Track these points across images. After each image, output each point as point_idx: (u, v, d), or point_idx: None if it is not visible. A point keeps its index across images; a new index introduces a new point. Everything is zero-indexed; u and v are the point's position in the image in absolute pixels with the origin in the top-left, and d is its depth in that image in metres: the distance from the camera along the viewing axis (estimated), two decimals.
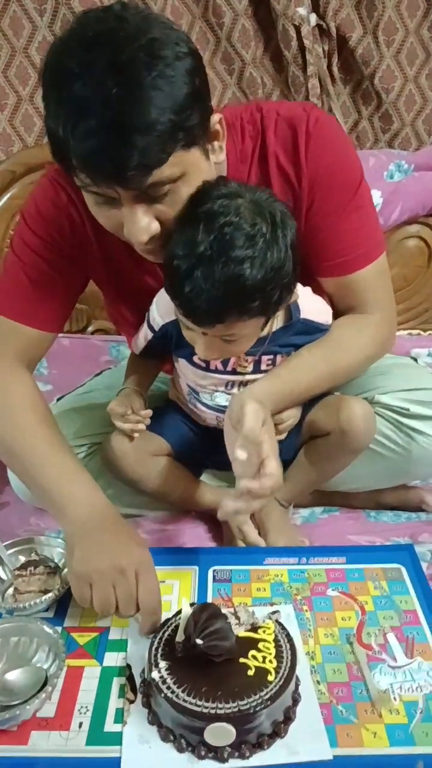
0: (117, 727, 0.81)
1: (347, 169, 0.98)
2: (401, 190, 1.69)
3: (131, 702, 0.84)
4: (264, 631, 0.84)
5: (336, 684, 0.85)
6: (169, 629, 0.86)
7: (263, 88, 1.80)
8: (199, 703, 0.76)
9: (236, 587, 1.00)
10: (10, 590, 1.00)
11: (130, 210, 0.82)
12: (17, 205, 1.73)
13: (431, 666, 0.84)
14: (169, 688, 0.78)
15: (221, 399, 1.05)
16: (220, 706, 0.76)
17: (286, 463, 1.15)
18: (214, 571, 1.03)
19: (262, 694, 0.77)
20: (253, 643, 0.82)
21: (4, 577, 1.01)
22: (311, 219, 0.98)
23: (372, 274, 1.02)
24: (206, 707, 0.76)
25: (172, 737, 0.78)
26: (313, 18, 1.70)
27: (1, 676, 0.87)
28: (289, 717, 0.79)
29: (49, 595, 0.96)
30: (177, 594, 1.00)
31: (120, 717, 0.82)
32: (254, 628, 0.85)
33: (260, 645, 0.82)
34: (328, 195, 0.96)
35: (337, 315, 1.05)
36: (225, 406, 1.04)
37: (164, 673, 0.80)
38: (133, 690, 0.85)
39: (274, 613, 0.91)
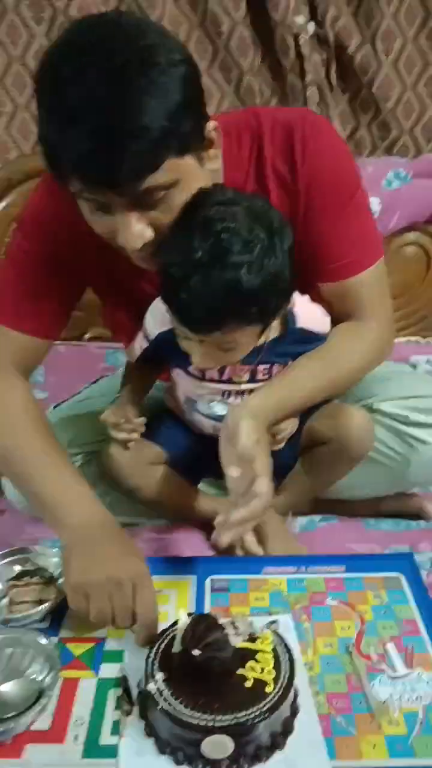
0: (113, 740, 0.80)
1: (344, 174, 0.98)
2: (400, 197, 1.70)
3: (128, 714, 0.83)
4: (262, 642, 0.83)
5: (335, 695, 0.84)
6: (167, 640, 0.85)
7: (261, 96, 1.80)
8: (196, 715, 0.75)
9: (234, 597, 1.00)
10: (5, 601, 0.99)
11: (123, 217, 0.81)
12: (14, 212, 1.72)
13: (431, 676, 0.83)
14: (165, 699, 0.77)
15: (218, 408, 1.04)
16: (217, 718, 0.74)
17: (285, 470, 1.15)
18: (212, 580, 1.03)
19: (261, 705, 0.75)
20: (251, 654, 0.81)
21: None
22: (308, 223, 0.97)
23: (369, 279, 1.02)
24: (203, 719, 0.74)
25: (169, 750, 0.77)
26: (312, 26, 1.71)
27: None
28: (287, 729, 0.78)
29: (44, 605, 0.95)
30: (174, 604, 0.99)
31: (116, 729, 0.81)
32: (252, 639, 0.84)
33: (258, 656, 0.81)
34: (324, 199, 0.96)
35: (334, 322, 1.04)
36: (222, 416, 1.03)
37: (161, 685, 0.79)
38: (130, 702, 0.84)
39: (272, 623, 0.90)
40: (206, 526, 1.13)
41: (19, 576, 1.02)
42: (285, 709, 0.78)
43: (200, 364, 0.92)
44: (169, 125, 0.75)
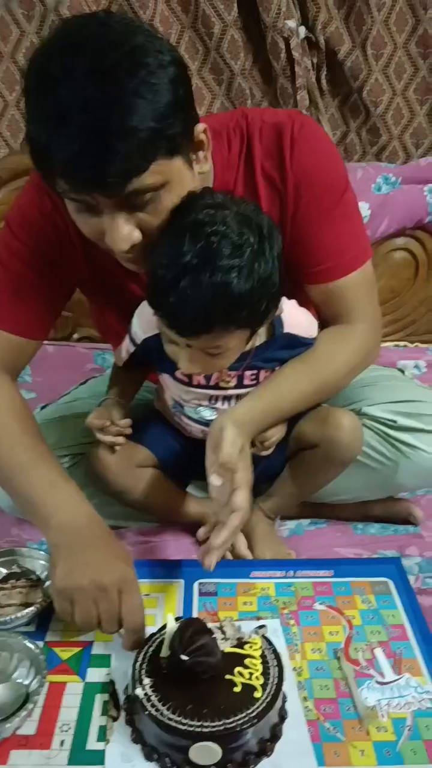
0: (100, 746, 0.79)
1: (332, 175, 0.97)
2: (389, 202, 1.70)
3: (114, 719, 0.82)
4: (251, 647, 0.83)
5: (323, 701, 0.84)
6: (154, 645, 0.85)
7: (252, 99, 1.80)
8: (184, 721, 0.74)
9: (222, 601, 0.99)
10: None
11: (110, 218, 0.81)
12: (3, 210, 1.71)
13: (419, 682, 0.83)
14: (153, 705, 0.76)
15: (206, 413, 1.03)
16: (205, 724, 0.74)
17: (274, 475, 1.15)
18: (200, 584, 1.02)
19: (249, 711, 0.75)
20: (239, 659, 0.81)
21: None
22: (296, 224, 0.97)
23: (357, 281, 1.01)
24: (191, 725, 0.74)
25: (156, 756, 0.77)
26: (302, 31, 1.71)
27: None
28: (275, 735, 0.78)
29: (31, 608, 0.94)
30: (162, 608, 0.99)
31: (103, 735, 0.80)
32: (241, 644, 0.84)
33: (247, 661, 0.81)
34: (313, 200, 0.96)
35: (322, 325, 1.04)
36: (210, 420, 1.03)
37: (148, 690, 0.78)
38: (117, 707, 0.84)
39: (260, 627, 0.90)
40: (194, 528, 1.13)
41: (5, 578, 1.01)
42: (273, 715, 0.78)
43: (186, 370, 0.91)
44: (157, 126, 0.74)
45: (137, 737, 0.79)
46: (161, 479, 1.14)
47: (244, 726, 0.74)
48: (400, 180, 1.71)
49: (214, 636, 0.82)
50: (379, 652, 0.87)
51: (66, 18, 0.80)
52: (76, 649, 0.92)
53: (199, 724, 0.74)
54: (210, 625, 0.84)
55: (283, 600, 0.99)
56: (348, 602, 0.99)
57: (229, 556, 1.09)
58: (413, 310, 1.83)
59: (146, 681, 0.79)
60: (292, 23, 1.68)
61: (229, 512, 0.89)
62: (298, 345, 1.00)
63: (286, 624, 0.95)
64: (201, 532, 0.93)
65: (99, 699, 0.85)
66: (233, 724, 0.74)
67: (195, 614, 0.97)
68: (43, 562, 1.03)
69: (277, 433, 1.04)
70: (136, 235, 0.83)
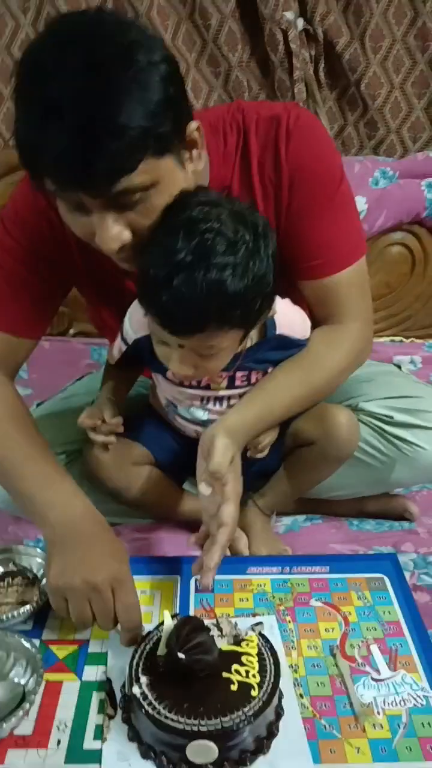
0: (96, 744, 0.79)
1: (327, 168, 0.96)
2: (386, 197, 1.70)
3: (111, 718, 0.82)
4: (247, 644, 0.83)
5: (319, 698, 0.84)
6: (151, 642, 0.85)
7: (249, 91, 1.79)
8: (180, 719, 0.75)
9: (219, 597, 0.99)
10: None
11: (100, 217, 0.80)
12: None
13: (414, 679, 0.83)
14: (150, 703, 0.77)
15: (198, 413, 1.03)
16: (202, 722, 0.74)
17: (270, 473, 1.15)
18: (196, 580, 1.02)
19: (246, 710, 0.75)
20: (236, 657, 0.81)
21: None
22: (290, 218, 0.96)
23: (350, 278, 1.00)
24: (188, 724, 0.74)
25: (152, 754, 0.77)
26: (301, 22, 1.70)
27: None
28: (272, 732, 0.78)
29: (27, 607, 0.94)
30: (158, 604, 0.99)
31: (99, 733, 0.80)
32: (237, 641, 0.84)
33: (243, 659, 0.81)
34: (307, 194, 0.95)
35: (314, 322, 1.03)
36: (203, 420, 1.03)
37: (145, 689, 0.78)
38: (113, 705, 0.84)
39: (257, 624, 0.90)
40: (191, 525, 1.13)
41: (1, 577, 1.01)
42: (270, 713, 0.78)
43: (178, 372, 0.89)
44: (147, 125, 0.73)
45: (134, 736, 0.79)
46: (158, 477, 1.14)
47: (241, 724, 0.74)
48: (398, 174, 1.71)
49: (211, 633, 0.82)
50: (374, 649, 0.87)
51: (58, 14, 0.78)
52: (73, 648, 0.92)
53: (195, 722, 0.74)
54: (206, 622, 0.84)
55: (279, 596, 0.99)
56: (344, 598, 0.99)
57: (227, 552, 1.09)
58: (409, 305, 1.83)
59: (143, 679, 0.79)
60: (290, 15, 1.67)
61: (217, 525, 0.89)
62: (290, 346, 0.99)
63: (282, 620, 0.95)
64: (192, 539, 0.94)
65: (96, 697, 0.85)
66: (230, 723, 0.74)
67: (192, 611, 0.97)
68: (39, 559, 1.02)
69: (269, 436, 1.05)
70: (126, 235, 0.82)
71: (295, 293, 1.01)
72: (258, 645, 0.84)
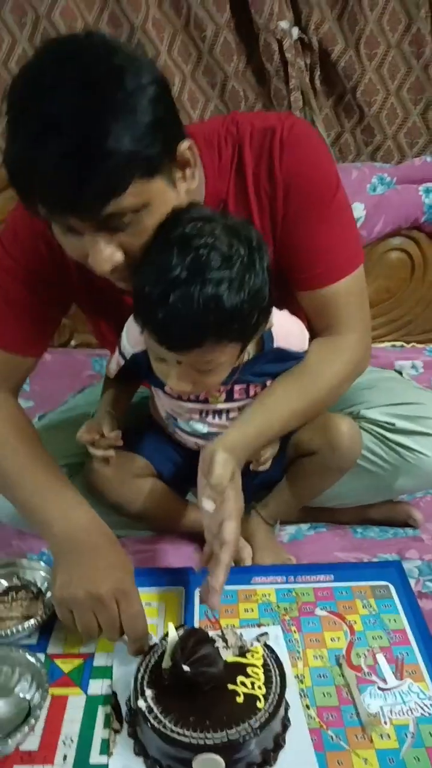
0: (103, 759, 0.79)
1: (322, 178, 0.96)
2: (384, 203, 1.70)
3: (117, 732, 0.82)
4: (252, 656, 0.83)
5: (326, 708, 0.84)
6: (155, 655, 0.85)
7: (246, 101, 1.80)
8: (186, 732, 0.74)
9: (224, 608, 0.99)
10: None
11: (91, 240, 0.80)
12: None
13: (421, 688, 0.83)
14: (155, 717, 0.76)
15: (198, 426, 1.03)
16: (208, 735, 0.74)
17: (273, 483, 1.14)
18: (200, 591, 1.02)
19: (252, 722, 0.75)
20: (241, 669, 0.81)
21: None
22: (286, 229, 0.96)
23: (348, 288, 1.00)
24: (194, 737, 0.74)
25: None
26: (295, 31, 1.71)
27: None
28: (278, 744, 0.78)
29: (32, 621, 0.94)
30: (163, 616, 0.99)
31: (105, 748, 0.80)
32: (242, 653, 0.84)
33: (249, 670, 0.81)
34: (302, 203, 0.94)
35: (312, 333, 1.02)
36: (203, 433, 1.03)
37: (150, 702, 0.78)
38: (119, 719, 0.83)
39: (262, 635, 0.90)
40: (194, 536, 1.13)
41: (6, 591, 1.01)
42: (276, 725, 0.77)
43: (176, 388, 0.88)
44: (135, 149, 0.73)
45: (140, 750, 0.79)
46: (160, 488, 1.14)
47: (247, 737, 0.74)
48: (395, 180, 1.71)
49: (216, 645, 0.81)
50: (381, 658, 0.87)
51: (46, 40, 0.79)
52: (78, 661, 0.92)
53: (201, 735, 0.74)
54: (211, 633, 0.84)
55: (284, 606, 0.99)
56: (349, 607, 0.99)
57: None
58: (410, 310, 1.83)
59: (148, 692, 0.79)
60: (284, 24, 1.68)
61: (219, 544, 0.89)
62: (288, 359, 0.99)
63: (287, 630, 0.95)
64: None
65: (101, 711, 0.85)
66: (236, 735, 0.74)
67: (196, 622, 0.96)
68: (43, 573, 1.03)
69: (271, 449, 1.05)
70: (118, 257, 0.82)
71: (293, 304, 1.00)
72: (263, 656, 0.83)
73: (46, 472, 0.97)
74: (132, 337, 0.97)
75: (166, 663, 0.81)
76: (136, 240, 0.81)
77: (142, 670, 0.83)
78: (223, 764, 0.73)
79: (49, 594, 0.96)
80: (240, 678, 0.80)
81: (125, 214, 0.78)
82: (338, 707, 0.84)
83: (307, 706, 0.84)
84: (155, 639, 0.88)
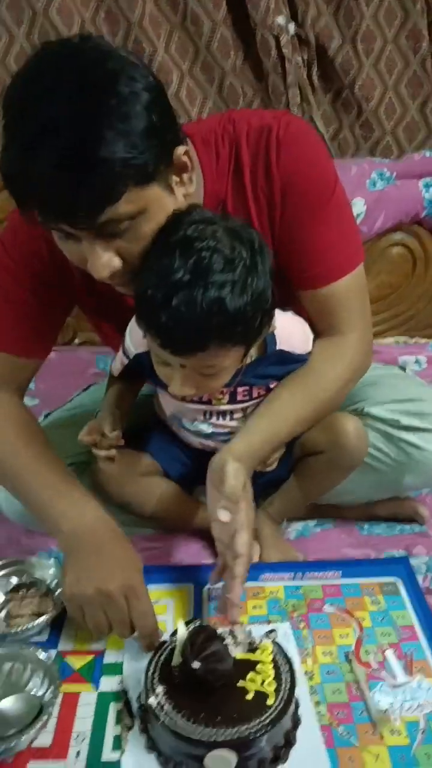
0: (115, 755, 0.80)
1: (319, 176, 0.95)
2: (384, 198, 1.70)
3: (129, 728, 0.82)
4: (262, 652, 0.83)
5: (336, 705, 0.84)
6: (165, 652, 0.85)
7: (244, 97, 1.80)
8: (198, 729, 0.75)
9: None
10: (2, 614, 0.98)
11: (89, 246, 0.80)
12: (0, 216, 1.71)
13: (431, 684, 0.83)
14: (167, 714, 0.77)
15: (202, 427, 1.03)
16: (219, 732, 0.74)
17: (279, 482, 1.15)
18: (210, 589, 1.02)
19: (262, 718, 0.76)
20: (251, 666, 0.81)
21: None
22: (285, 228, 0.96)
23: (348, 286, 0.99)
24: (205, 734, 0.74)
25: (171, 764, 0.77)
26: (292, 27, 1.71)
27: None
28: (289, 741, 0.78)
29: (42, 618, 0.95)
30: (172, 613, 0.99)
31: (118, 744, 0.81)
32: (252, 649, 0.84)
33: (258, 667, 0.81)
34: (300, 202, 0.94)
35: (314, 334, 1.02)
36: (207, 434, 1.03)
37: (162, 699, 0.79)
38: (131, 715, 0.84)
39: (270, 632, 0.90)
40: (203, 533, 1.13)
41: (16, 588, 1.02)
42: (287, 721, 0.78)
43: (179, 392, 0.88)
44: (128, 157, 0.73)
45: (152, 746, 0.79)
46: (167, 486, 1.14)
47: (258, 733, 0.74)
48: (395, 175, 1.71)
49: (225, 642, 0.82)
50: (390, 654, 0.87)
51: (41, 44, 0.78)
52: (89, 658, 0.92)
53: (213, 732, 0.74)
54: (220, 630, 0.84)
55: (293, 603, 1.00)
56: (357, 604, 0.99)
57: None
58: (412, 305, 1.83)
59: (159, 689, 0.80)
60: (281, 20, 1.68)
61: (232, 556, 0.89)
62: (291, 361, 0.99)
63: (296, 627, 0.95)
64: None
65: (113, 708, 0.86)
66: (247, 732, 0.74)
67: (205, 619, 0.97)
68: (52, 571, 1.03)
69: (275, 454, 1.05)
70: (116, 263, 0.82)
71: (294, 305, 1.00)
72: (273, 653, 0.84)
73: (53, 471, 0.98)
74: (135, 339, 0.97)
75: (176, 660, 0.82)
76: (134, 246, 0.81)
77: (152, 667, 0.83)
78: (235, 760, 0.74)
79: (59, 591, 0.97)
80: (250, 675, 0.80)
81: (122, 221, 0.78)
82: (348, 704, 0.84)
83: (317, 703, 0.84)
84: (165, 636, 0.89)
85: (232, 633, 0.86)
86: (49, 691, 0.86)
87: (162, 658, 0.84)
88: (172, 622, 0.97)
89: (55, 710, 0.85)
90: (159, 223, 0.82)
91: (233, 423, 1.02)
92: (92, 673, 0.90)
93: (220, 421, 1.02)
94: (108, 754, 0.80)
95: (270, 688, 0.79)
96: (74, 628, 0.96)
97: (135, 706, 0.85)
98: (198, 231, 0.80)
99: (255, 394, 1.00)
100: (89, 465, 1.11)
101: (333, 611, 0.98)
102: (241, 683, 0.79)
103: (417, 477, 1.11)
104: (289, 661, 0.83)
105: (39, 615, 0.96)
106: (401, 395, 1.12)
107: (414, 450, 1.08)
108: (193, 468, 1.12)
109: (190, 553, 1.15)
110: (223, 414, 1.01)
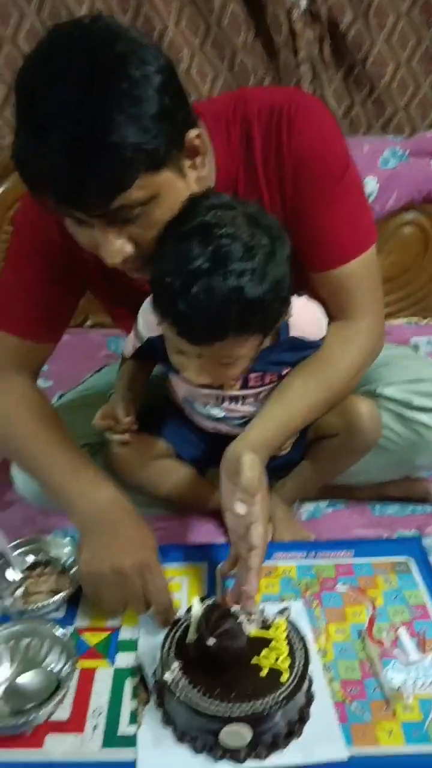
0: (132, 729, 0.81)
1: (330, 156, 0.94)
2: (396, 176, 1.68)
3: (145, 703, 0.84)
4: (276, 630, 0.84)
5: (349, 682, 0.85)
6: (181, 629, 0.86)
7: (255, 74, 1.77)
8: (213, 704, 0.76)
9: None
10: (20, 591, 1.00)
11: (101, 232, 0.79)
12: (10, 199, 1.70)
13: None
14: (182, 689, 0.78)
15: (214, 411, 1.03)
16: (234, 707, 0.76)
17: (292, 465, 1.15)
18: (221, 569, 1.03)
19: (276, 694, 0.77)
20: (265, 643, 0.82)
21: (12, 578, 1.01)
22: (296, 208, 0.95)
23: (360, 268, 0.98)
24: (221, 709, 0.76)
25: (187, 738, 0.79)
26: (304, 2, 1.68)
27: (14, 679, 0.87)
28: (303, 717, 0.80)
29: (59, 595, 0.96)
30: (186, 591, 1.00)
31: (134, 719, 0.82)
32: (266, 627, 0.85)
33: (272, 644, 0.82)
34: (311, 182, 0.93)
35: (328, 315, 1.01)
36: (219, 418, 1.04)
37: (177, 674, 0.80)
38: (146, 691, 0.85)
39: (284, 610, 0.91)
40: (216, 513, 1.14)
41: (33, 566, 1.03)
42: (300, 698, 0.79)
43: (195, 381, 0.87)
44: (140, 142, 0.72)
45: (168, 720, 0.81)
46: (181, 469, 1.15)
47: (272, 709, 0.75)
48: (408, 153, 1.69)
49: (239, 620, 0.83)
50: (403, 632, 0.88)
51: (52, 25, 0.77)
52: (105, 634, 0.94)
53: (228, 707, 0.76)
54: (234, 607, 0.85)
55: (306, 582, 1.01)
56: (370, 582, 1.00)
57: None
58: (424, 285, 1.82)
59: (175, 665, 0.81)
60: None
61: (247, 548, 0.88)
62: (304, 348, 0.98)
63: (309, 606, 0.96)
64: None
65: (129, 683, 0.87)
66: (261, 708, 0.75)
67: (219, 596, 0.98)
68: (68, 549, 1.04)
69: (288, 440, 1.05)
70: (129, 249, 0.81)
71: (306, 290, 0.99)
72: (286, 630, 0.85)
73: (68, 452, 0.99)
74: (147, 322, 0.97)
75: (191, 637, 0.83)
76: (146, 232, 0.81)
77: (168, 643, 0.85)
78: (251, 735, 0.75)
79: (74, 569, 0.98)
80: (264, 652, 0.81)
81: (134, 207, 0.77)
82: (361, 681, 0.85)
83: (331, 680, 0.85)
84: (180, 613, 0.90)
85: (245, 611, 0.87)
86: (66, 666, 0.87)
87: (177, 634, 0.86)
88: (186, 599, 0.98)
89: (73, 685, 0.86)
90: (172, 208, 0.81)
91: (245, 408, 1.02)
92: (108, 649, 0.92)
93: (232, 406, 1.02)
94: (124, 728, 0.82)
95: (284, 665, 0.80)
96: (90, 606, 0.97)
97: (150, 681, 0.87)
98: (216, 217, 0.79)
99: (267, 380, 1.00)
100: (102, 446, 1.11)
101: (346, 590, 0.99)
102: (255, 660, 0.81)
103: (429, 457, 1.12)
104: (302, 639, 0.85)
105: (56, 592, 0.98)
106: (413, 375, 1.12)
107: (426, 430, 1.07)
108: (206, 450, 1.13)
109: (203, 532, 1.16)
110: (235, 399, 1.01)
